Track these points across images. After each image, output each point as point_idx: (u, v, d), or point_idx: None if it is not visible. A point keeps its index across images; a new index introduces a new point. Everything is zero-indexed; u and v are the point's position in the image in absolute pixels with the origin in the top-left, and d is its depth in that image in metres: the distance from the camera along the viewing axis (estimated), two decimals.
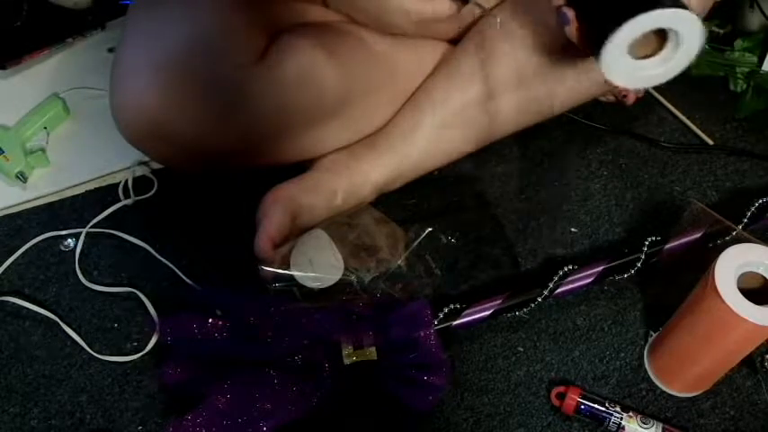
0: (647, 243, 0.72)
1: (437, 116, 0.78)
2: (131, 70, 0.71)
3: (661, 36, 0.56)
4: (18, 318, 0.76)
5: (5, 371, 0.72)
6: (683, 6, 0.53)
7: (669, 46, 0.55)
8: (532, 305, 0.71)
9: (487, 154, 0.85)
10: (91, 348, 0.73)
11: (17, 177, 0.85)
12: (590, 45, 0.58)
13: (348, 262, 0.71)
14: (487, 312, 0.70)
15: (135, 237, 0.80)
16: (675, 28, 0.54)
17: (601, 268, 0.72)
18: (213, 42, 0.71)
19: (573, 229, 0.82)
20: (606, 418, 0.66)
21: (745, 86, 0.92)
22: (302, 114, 0.76)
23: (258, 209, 0.73)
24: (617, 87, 0.89)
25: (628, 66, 0.56)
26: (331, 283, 0.70)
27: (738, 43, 0.94)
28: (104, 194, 0.85)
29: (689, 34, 0.54)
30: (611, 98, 0.92)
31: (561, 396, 0.67)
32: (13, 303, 0.76)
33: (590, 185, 0.85)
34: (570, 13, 0.59)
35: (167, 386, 0.68)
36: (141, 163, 0.87)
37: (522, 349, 0.72)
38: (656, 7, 0.52)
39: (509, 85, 0.76)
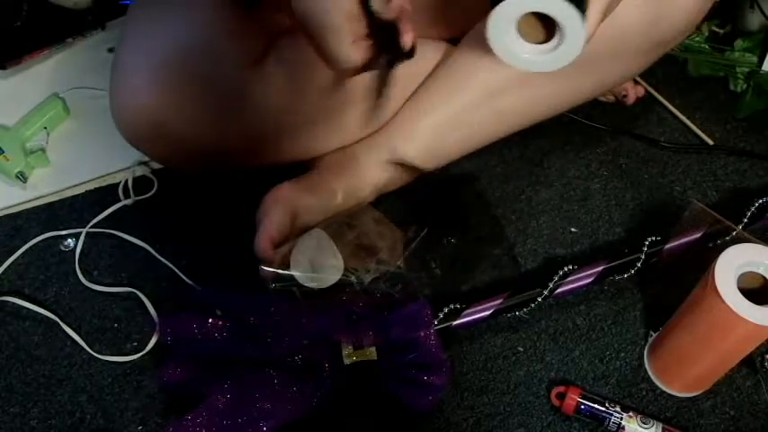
0: (647, 243, 0.72)
1: (437, 116, 0.78)
2: (131, 70, 0.71)
3: (552, 28, 0.56)
4: (18, 318, 0.76)
5: (5, 371, 0.72)
6: (575, 3, 0.53)
7: (555, 39, 0.56)
8: (532, 305, 0.71)
9: (487, 154, 0.85)
10: (91, 348, 0.73)
11: (17, 177, 0.85)
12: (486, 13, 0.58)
13: (348, 262, 0.71)
14: (487, 312, 0.70)
15: (135, 237, 0.80)
16: (560, 20, 0.54)
17: (601, 268, 0.72)
18: (213, 43, 0.71)
19: (573, 229, 0.82)
20: (606, 418, 0.66)
21: (745, 86, 0.93)
22: (302, 115, 0.76)
23: (258, 209, 0.73)
24: (617, 87, 0.90)
25: (512, 43, 0.56)
26: (331, 283, 0.70)
27: (738, 43, 0.94)
28: (104, 194, 0.85)
29: (571, 32, 0.54)
30: (611, 98, 0.92)
31: (561, 396, 0.67)
32: (13, 303, 0.76)
33: (590, 185, 0.85)
34: None
35: (167, 386, 0.68)
36: (141, 163, 0.87)
37: (522, 349, 0.72)
38: None
39: (509, 86, 0.76)
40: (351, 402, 0.67)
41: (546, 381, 0.70)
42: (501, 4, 0.54)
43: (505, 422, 0.68)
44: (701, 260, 0.63)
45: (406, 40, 0.60)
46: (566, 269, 0.71)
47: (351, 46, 0.58)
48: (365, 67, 0.61)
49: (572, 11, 0.53)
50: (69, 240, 0.81)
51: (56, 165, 0.88)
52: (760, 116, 0.91)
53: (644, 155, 0.88)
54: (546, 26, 0.56)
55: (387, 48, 0.62)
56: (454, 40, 0.82)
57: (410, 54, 0.62)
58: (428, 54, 0.82)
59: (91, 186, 0.86)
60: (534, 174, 0.86)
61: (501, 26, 0.55)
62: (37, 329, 0.75)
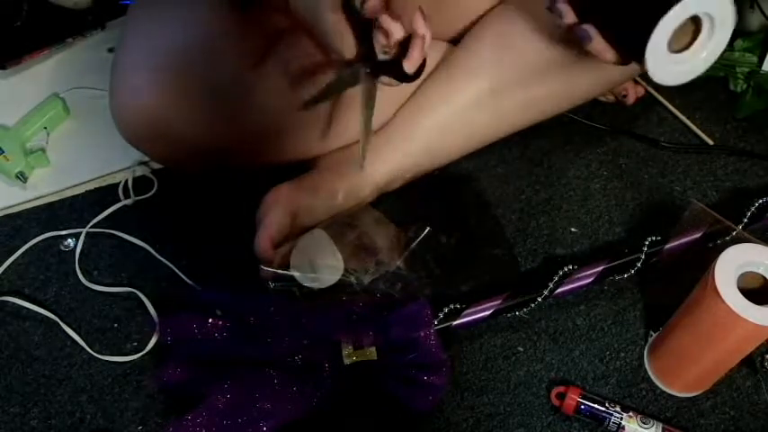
0: (647, 243, 0.72)
1: (438, 116, 0.78)
2: (131, 71, 0.71)
3: (693, 23, 0.55)
4: (18, 318, 0.76)
5: (5, 371, 0.72)
6: None
7: (704, 29, 0.54)
8: (532, 305, 0.71)
9: (487, 154, 0.85)
10: (91, 348, 0.73)
11: (17, 177, 0.85)
12: (626, 53, 0.56)
13: (348, 262, 0.71)
14: (487, 312, 0.70)
15: (135, 237, 0.80)
16: (706, 10, 0.53)
17: (601, 268, 0.72)
18: (212, 44, 0.71)
19: (573, 229, 0.82)
20: (606, 418, 0.66)
21: (745, 86, 0.92)
22: (302, 116, 0.76)
23: (258, 209, 0.73)
24: (617, 87, 0.90)
25: (671, 62, 0.55)
26: (331, 283, 0.70)
27: (738, 43, 0.94)
28: (104, 194, 0.85)
29: (719, 9, 0.53)
30: (611, 98, 0.92)
31: (561, 396, 0.67)
32: (13, 303, 0.76)
33: (590, 185, 0.85)
34: (591, 30, 0.57)
35: (167, 386, 0.68)
36: (141, 163, 0.87)
37: (522, 349, 0.72)
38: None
39: (509, 86, 0.76)
40: (351, 402, 0.67)
41: (546, 381, 0.70)
42: (652, 38, 0.52)
43: (505, 422, 0.68)
44: (701, 260, 0.63)
45: (409, 64, 0.60)
46: (566, 269, 0.71)
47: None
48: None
49: (727, 3, 0.52)
50: (69, 240, 0.81)
51: (56, 165, 0.88)
52: (760, 116, 0.91)
53: (644, 155, 0.88)
54: (688, 24, 0.54)
55: (369, 55, 0.61)
56: (454, 40, 0.82)
57: (413, 77, 0.62)
58: (428, 54, 0.82)
59: (91, 186, 0.86)
60: (534, 174, 0.86)
61: (658, 57, 0.54)
62: (37, 329, 0.75)
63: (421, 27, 0.59)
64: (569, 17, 0.59)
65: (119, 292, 0.77)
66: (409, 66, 0.60)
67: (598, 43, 0.58)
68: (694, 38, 0.55)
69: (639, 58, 0.54)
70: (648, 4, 0.53)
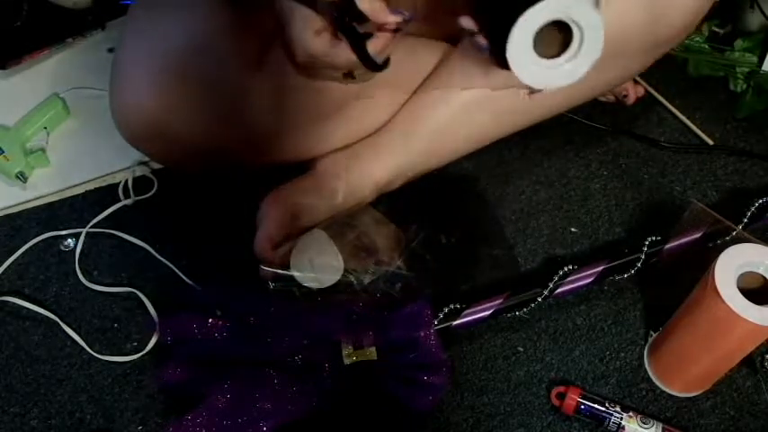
0: (647, 243, 0.72)
1: (438, 116, 0.78)
2: (131, 71, 0.71)
3: (566, 33, 0.55)
4: (18, 318, 0.76)
5: (5, 371, 0.72)
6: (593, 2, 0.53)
7: (574, 41, 0.55)
8: (532, 305, 0.71)
9: (487, 154, 0.85)
10: (91, 348, 0.73)
11: (17, 177, 0.85)
12: (498, 52, 0.57)
13: (348, 262, 0.71)
14: (487, 312, 0.70)
15: (135, 237, 0.80)
16: (573, 18, 0.53)
17: (601, 268, 0.72)
18: (212, 44, 0.71)
19: (573, 229, 0.82)
20: (606, 418, 0.66)
21: (745, 86, 0.93)
22: (302, 116, 0.76)
23: (258, 209, 0.73)
24: (617, 87, 0.90)
25: (536, 64, 0.55)
26: (330, 283, 0.70)
27: (738, 43, 0.94)
28: (104, 194, 0.85)
29: (587, 22, 0.53)
30: (611, 98, 0.92)
31: (561, 396, 0.67)
32: (13, 303, 0.76)
33: (590, 185, 0.85)
34: (482, 40, 0.59)
35: (167, 386, 0.68)
36: (141, 163, 0.87)
37: (522, 349, 0.72)
38: None
39: (509, 86, 0.76)
40: (351, 402, 0.67)
41: (546, 381, 0.70)
42: (511, 34, 0.53)
43: (505, 422, 0.68)
44: (701, 260, 0.63)
45: (375, 45, 0.61)
46: (566, 269, 0.71)
47: (313, 35, 0.61)
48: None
49: (591, 11, 0.53)
50: (69, 240, 0.81)
51: (56, 165, 0.88)
52: (760, 116, 0.91)
53: (644, 155, 0.88)
54: (559, 33, 0.55)
55: (356, 50, 0.62)
56: (454, 40, 0.82)
57: (381, 65, 0.62)
58: (428, 54, 0.82)
59: (91, 186, 0.86)
60: (534, 174, 0.86)
61: (520, 54, 0.54)
62: (37, 329, 0.75)
63: (387, 17, 0.59)
64: (469, 28, 0.60)
65: (119, 292, 0.77)
66: (372, 47, 0.61)
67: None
68: (565, 47, 0.56)
69: (503, 54, 0.54)
70: (513, 3, 0.53)
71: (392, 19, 0.60)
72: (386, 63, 0.64)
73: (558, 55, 0.56)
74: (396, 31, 0.61)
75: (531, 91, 0.60)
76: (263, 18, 0.76)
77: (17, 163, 0.85)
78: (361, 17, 0.60)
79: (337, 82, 0.68)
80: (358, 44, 0.61)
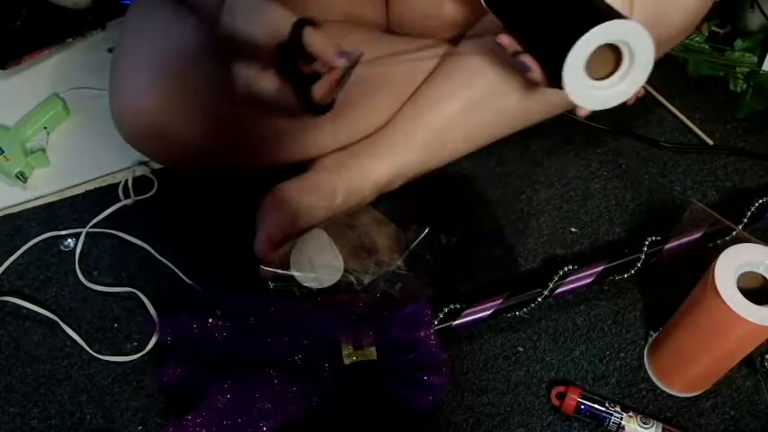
0: (647, 243, 0.72)
1: (437, 116, 0.78)
2: (131, 71, 0.71)
3: (616, 53, 0.56)
4: (18, 318, 0.76)
5: (5, 371, 0.72)
6: (622, 17, 0.54)
7: (625, 60, 0.56)
8: (532, 305, 0.71)
9: (487, 154, 0.85)
10: (91, 348, 0.73)
11: (17, 177, 0.85)
12: (552, 79, 0.58)
13: (348, 262, 0.71)
14: (487, 312, 0.70)
15: (135, 237, 0.80)
16: (623, 39, 0.54)
17: (601, 268, 0.72)
18: (212, 44, 0.71)
19: (573, 229, 0.82)
20: (606, 418, 0.66)
21: (745, 86, 0.93)
22: (300, 116, 0.76)
23: (258, 209, 0.73)
24: None
25: (590, 87, 0.56)
26: (330, 283, 0.70)
27: (738, 43, 0.94)
28: (104, 194, 0.85)
29: (637, 41, 0.54)
30: None
31: (561, 396, 0.67)
32: (13, 303, 0.76)
33: (590, 185, 0.85)
34: (528, 60, 0.60)
35: (167, 386, 0.68)
36: (141, 163, 0.87)
37: (522, 349, 0.72)
38: (594, 24, 0.53)
39: (509, 86, 0.76)
40: (351, 402, 0.67)
41: (546, 381, 0.70)
42: (566, 63, 0.53)
43: (505, 422, 0.68)
44: (701, 260, 0.63)
45: (320, 89, 0.60)
46: (566, 269, 0.71)
47: (258, 71, 0.61)
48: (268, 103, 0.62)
49: (625, 23, 0.53)
50: (69, 240, 0.81)
51: (56, 165, 0.88)
52: (760, 116, 0.91)
53: (644, 155, 0.88)
54: (609, 53, 0.56)
55: (298, 95, 0.61)
56: (454, 40, 0.82)
57: (323, 109, 0.62)
58: (428, 54, 0.82)
59: (91, 186, 0.86)
60: (534, 174, 0.86)
61: (575, 81, 0.55)
62: (37, 329, 0.75)
63: (336, 61, 0.59)
64: (511, 48, 0.61)
65: (119, 292, 0.77)
66: (316, 90, 0.60)
67: (538, 73, 0.60)
68: (616, 68, 0.57)
69: (559, 81, 0.56)
70: (566, 29, 0.55)
71: (341, 63, 0.59)
72: (329, 106, 0.63)
73: (608, 75, 0.56)
74: (343, 75, 0.60)
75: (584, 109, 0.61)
76: None
77: (17, 163, 0.85)
78: (308, 58, 0.59)
79: (277, 117, 0.68)
80: (302, 88, 0.61)
